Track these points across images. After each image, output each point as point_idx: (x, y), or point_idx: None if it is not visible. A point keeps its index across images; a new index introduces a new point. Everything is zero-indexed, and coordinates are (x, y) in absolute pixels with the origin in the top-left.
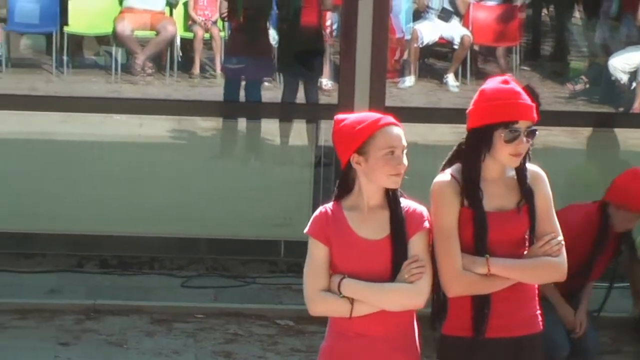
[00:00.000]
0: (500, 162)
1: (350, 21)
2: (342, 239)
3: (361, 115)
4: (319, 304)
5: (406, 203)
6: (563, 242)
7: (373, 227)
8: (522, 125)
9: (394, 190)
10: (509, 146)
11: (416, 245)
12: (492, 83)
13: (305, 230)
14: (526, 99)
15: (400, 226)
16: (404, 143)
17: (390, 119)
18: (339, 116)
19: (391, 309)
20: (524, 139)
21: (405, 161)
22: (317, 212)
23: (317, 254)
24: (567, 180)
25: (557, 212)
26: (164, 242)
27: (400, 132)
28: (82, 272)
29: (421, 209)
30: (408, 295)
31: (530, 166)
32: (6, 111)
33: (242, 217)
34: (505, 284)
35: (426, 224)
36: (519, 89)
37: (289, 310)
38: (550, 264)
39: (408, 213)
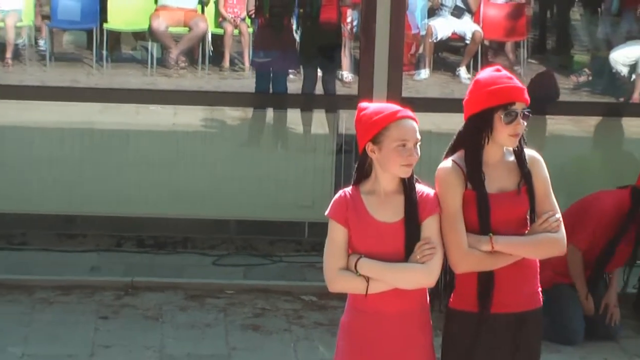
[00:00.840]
0: (500, 144)
1: (369, 18)
2: (360, 221)
3: (381, 105)
4: (337, 282)
5: (420, 188)
6: (561, 219)
7: (389, 211)
8: (518, 107)
9: (410, 177)
10: (508, 127)
11: (428, 227)
12: (485, 72)
13: (326, 213)
14: (518, 83)
15: (413, 210)
16: (418, 137)
17: (407, 112)
18: (362, 104)
19: (404, 287)
20: (521, 120)
21: (417, 153)
22: (336, 196)
23: (337, 235)
24: (571, 164)
25: (585, 199)
26: (197, 223)
27: (414, 125)
28: (120, 251)
29: (434, 193)
30: (420, 275)
31: (528, 151)
32: (50, 102)
33: (269, 200)
34: (509, 260)
35: (438, 208)
36: (510, 75)
37: (313, 286)
38: (550, 240)
39: (422, 197)
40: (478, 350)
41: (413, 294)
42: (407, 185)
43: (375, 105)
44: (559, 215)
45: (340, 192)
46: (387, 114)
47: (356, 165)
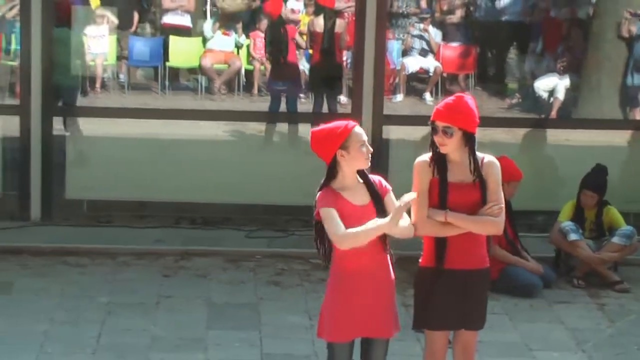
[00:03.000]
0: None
1: (359, 57)
2: (343, 207)
3: (333, 124)
4: (349, 241)
5: (371, 177)
6: (503, 208)
7: (359, 197)
8: (438, 124)
9: (363, 170)
10: (435, 137)
11: (390, 202)
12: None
13: (317, 211)
14: (445, 108)
15: (376, 192)
16: (366, 137)
17: (354, 123)
18: (314, 129)
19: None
20: (440, 133)
21: (370, 148)
22: (319, 195)
23: (335, 215)
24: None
25: None
26: (234, 207)
27: (362, 130)
28: (178, 227)
29: (380, 178)
30: (492, 224)
31: (488, 156)
32: (128, 119)
33: (285, 190)
34: (458, 231)
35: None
36: (450, 99)
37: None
38: (490, 221)
39: (375, 183)
40: (435, 297)
41: (381, 258)
42: (363, 176)
43: (326, 126)
44: (502, 205)
45: (319, 193)
46: (347, 126)
47: (327, 171)
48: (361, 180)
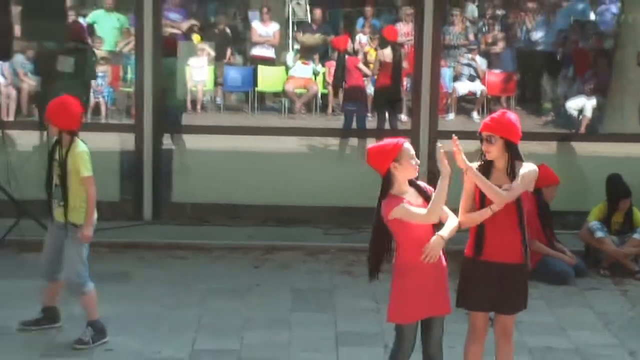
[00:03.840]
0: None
1: (417, 81)
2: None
3: (385, 142)
4: (435, 213)
5: (419, 183)
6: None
7: (414, 198)
8: (484, 134)
9: (412, 179)
10: (482, 146)
11: None
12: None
13: (385, 215)
14: (490, 120)
15: (426, 193)
16: (413, 151)
17: (404, 139)
18: (370, 147)
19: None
20: (485, 141)
21: (417, 160)
22: (385, 202)
23: (409, 205)
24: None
25: None
26: (313, 209)
27: (410, 146)
28: (265, 226)
29: (425, 184)
30: (497, 195)
31: (528, 164)
32: (223, 135)
33: (355, 194)
34: (488, 215)
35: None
36: (496, 115)
37: None
38: (498, 194)
39: (424, 187)
40: (472, 282)
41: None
42: (413, 183)
43: (380, 143)
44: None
45: (384, 201)
46: (398, 143)
47: (383, 184)
48: (412, 188)
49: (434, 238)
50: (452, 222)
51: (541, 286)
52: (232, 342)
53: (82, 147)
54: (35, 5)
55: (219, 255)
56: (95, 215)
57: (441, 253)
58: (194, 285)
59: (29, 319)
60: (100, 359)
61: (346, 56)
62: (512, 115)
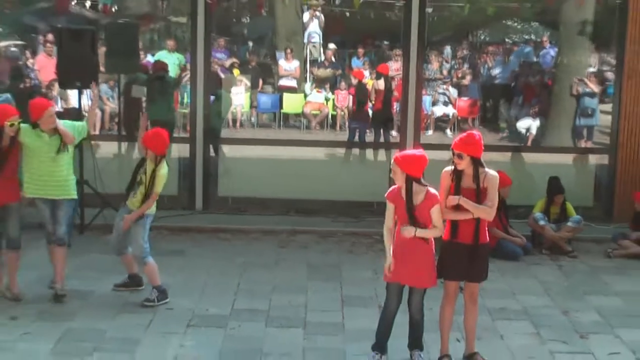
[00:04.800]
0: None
1: (404, 106)
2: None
3: (415, 151)
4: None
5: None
6: (495, 205)
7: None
8: (455, 151)
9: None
10: (459, 161)
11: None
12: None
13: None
14: (459, 141)
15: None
16: None
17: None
18: (397, 154)
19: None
20: (456, 157)
21: None
22: (434, 192)
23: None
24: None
25: None
26: (324, 202)
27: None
28: (288, 215)
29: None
30: (485, 212)
31: (490, 171)
32: (257, 145)
33: (358, 190)
34: (465, 216)
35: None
36: (463, 135)
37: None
38: (485, 210)
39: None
40: (449, 259)
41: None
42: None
43: (406, 153)
44: (494, 204)
45: (434, 191)
46: (423, 154)
47: (419, 180)
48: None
49: (408, 228)
50: (433, 232)
51: (498, 262)
52: (263, 303)
53: (166, 169)
54: (116, 46)
55: (253, 237)
56: (154, 209)
57: (430, 241)
58: (233, 259)
59: (119, 282)
60: (163, 314)
61: (357, 85)
62: (477, 135)
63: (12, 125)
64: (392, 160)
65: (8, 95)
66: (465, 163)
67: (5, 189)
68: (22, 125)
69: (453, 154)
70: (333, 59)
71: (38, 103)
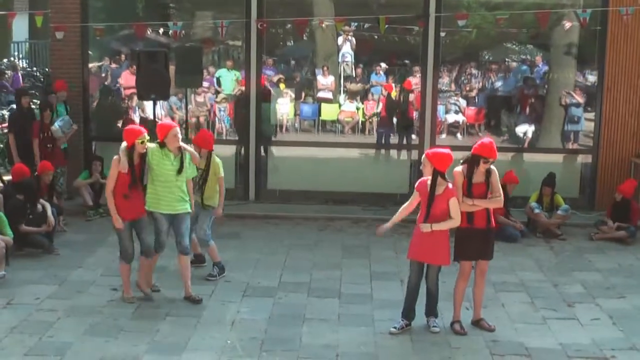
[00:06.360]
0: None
1: (422, 114)
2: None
3: (441, 150)
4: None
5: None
6: (501, 194)
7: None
8: (489, 159)
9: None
10: (485, 164)
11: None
12: (483, 140)
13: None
14: (493, 149)
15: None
16: None
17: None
18: (429, 151)
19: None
20: (487, 163)
21: None
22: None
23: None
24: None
25: None
26: (356, 193)
27: None
28: (326, 204)
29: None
30: (497, 202)
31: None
32: (299, 147)
33: (383, 184)
34: (476, 208)
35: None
36: (489, 142)
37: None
38: (496, 201)
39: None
40: (465, 244)
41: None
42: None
43: (436, 150)
44: (500, 193)
45: (450, 185)
46: (450, 153)
47: (443, 175)
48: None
49: (425, 225)
50: (449, 223)
51: (500, 244)
52: (305, 277)
53: (218, 159)
54: (184, 65)
55: (297, 223)
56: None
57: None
58: (281, 241)
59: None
60: (223, 286)
61: (383, 97)
62: (493, 143)
63: (142, 142)
64: (424, 156)
65: (67, 117)
66: (488, 165)
67: (141, 202)
68: (149, 143)
69: (486, 160)
70: (362, 75)
71: (164, 124)
